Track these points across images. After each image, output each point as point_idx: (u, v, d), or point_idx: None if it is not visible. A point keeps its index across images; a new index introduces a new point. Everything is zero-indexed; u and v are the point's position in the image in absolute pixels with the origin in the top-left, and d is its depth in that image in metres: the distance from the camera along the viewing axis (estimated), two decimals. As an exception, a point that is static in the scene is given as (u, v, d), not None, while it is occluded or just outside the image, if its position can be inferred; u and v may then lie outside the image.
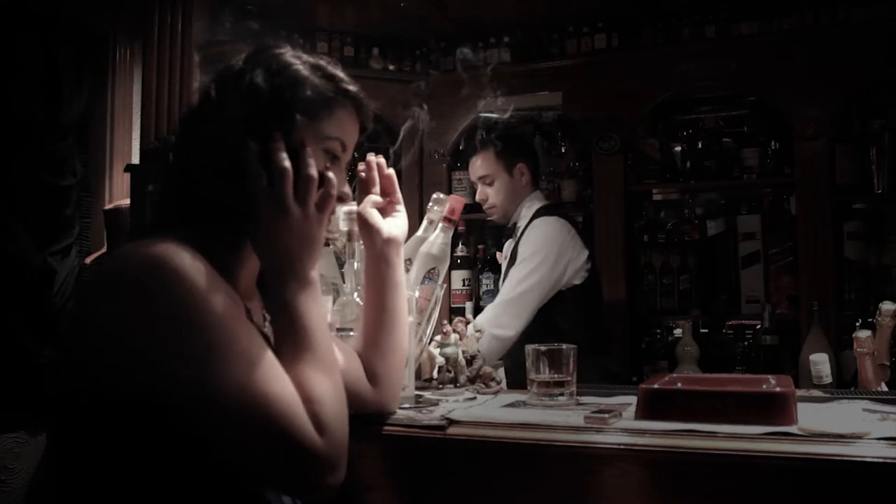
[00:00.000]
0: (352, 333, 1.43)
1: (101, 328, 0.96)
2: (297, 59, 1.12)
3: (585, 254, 2.61)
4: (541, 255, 2.54)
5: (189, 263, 0.96)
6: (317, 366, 1.02)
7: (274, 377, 0.97)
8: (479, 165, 2.73)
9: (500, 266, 3.37)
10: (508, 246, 2.76)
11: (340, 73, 1.15)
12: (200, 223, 1.07)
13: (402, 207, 1.40)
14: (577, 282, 2.59)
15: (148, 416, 0.94)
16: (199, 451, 0.96)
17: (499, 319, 2.48)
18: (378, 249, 1.33)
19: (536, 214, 2.67)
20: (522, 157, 2.74)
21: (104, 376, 0.95)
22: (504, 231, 2.87)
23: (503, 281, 2.70)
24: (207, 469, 0.98)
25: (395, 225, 1.36)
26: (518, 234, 2.68)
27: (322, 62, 1.14)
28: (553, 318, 2.54)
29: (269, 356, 0.99)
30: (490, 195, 2.72)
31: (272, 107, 1.07)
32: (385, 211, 1.38)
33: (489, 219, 2.86)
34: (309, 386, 0.99)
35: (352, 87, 1.15)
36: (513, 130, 3.08)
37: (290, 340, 1.04)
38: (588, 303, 2.63)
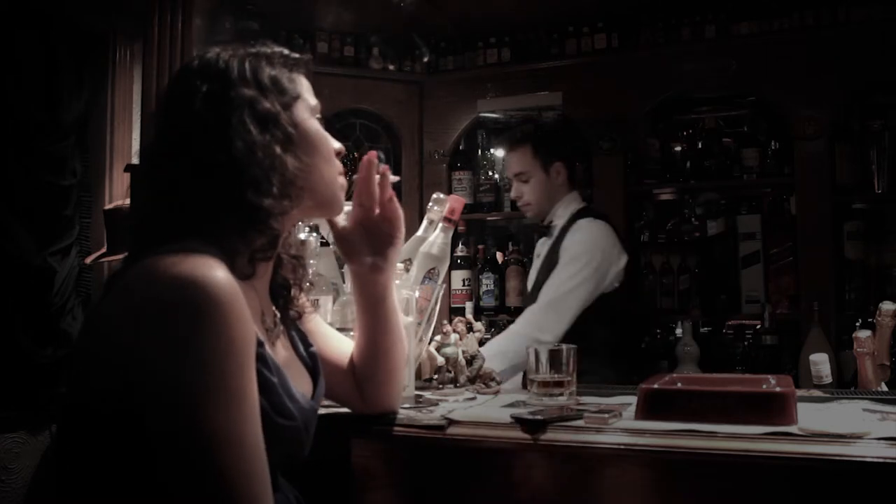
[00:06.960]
0: (352, 333, 1.42)
1: (129, 349, 0.91)
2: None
3: (625, 258, 2.59)
4: (587, 257, 2.50)
5: (226, 293, 0.91)
6: None
7: (258, 454, 0.92)
8: (516, 162, 2.69)
9: (499, 266, 3.38)
10: (543, 244, 2.71)
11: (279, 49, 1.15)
12: (216, 230, 1.01)
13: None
14: (616, 285, 2.57)
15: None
16: None
17: (542, 322, 2.44)
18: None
19: (578, 216, 2.64)
20: (559, 157, 2.71)
21: (125, 389, 0.91)
22: (538, 230, 2.78)
23: (534, 279, 2.66)
24: None
25: None
26: (555, 235, 2.64)
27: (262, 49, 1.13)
28: (587, 321, 2.49)
29: (257, 429, 0.94)
30: (525, 192, 2.69)
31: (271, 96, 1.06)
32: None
33: (526, 216, 2.79)
34: None
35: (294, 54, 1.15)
36: (551, 129, 3.05)
37: None
38: (621, 307, 2.62)
